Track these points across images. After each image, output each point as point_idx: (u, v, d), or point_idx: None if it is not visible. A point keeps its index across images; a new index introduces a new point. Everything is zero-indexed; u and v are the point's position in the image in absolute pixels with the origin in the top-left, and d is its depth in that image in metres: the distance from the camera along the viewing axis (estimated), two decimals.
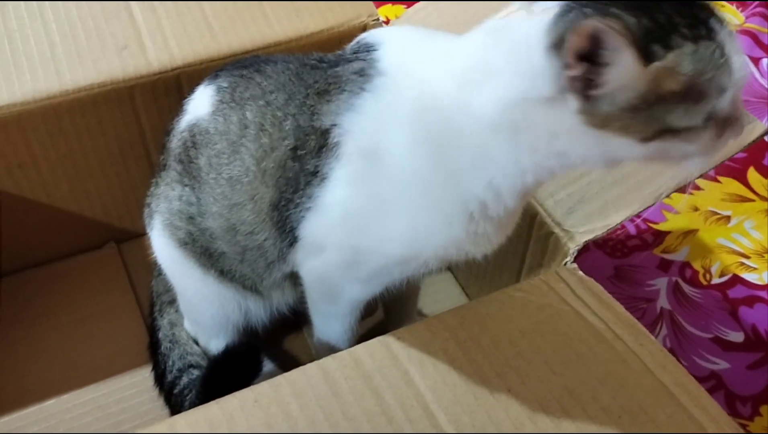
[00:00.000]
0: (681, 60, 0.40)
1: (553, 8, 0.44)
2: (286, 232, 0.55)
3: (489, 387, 0.48)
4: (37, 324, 0.75)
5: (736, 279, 0.78)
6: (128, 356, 0.73)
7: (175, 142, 0.62)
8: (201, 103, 0.60)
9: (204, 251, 0.61)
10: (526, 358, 0.50)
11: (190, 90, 0.69)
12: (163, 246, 0.64)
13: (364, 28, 0.76)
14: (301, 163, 0.52)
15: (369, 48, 0.53)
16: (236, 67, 0.60)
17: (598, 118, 0.41)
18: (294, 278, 0.61)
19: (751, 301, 0.76)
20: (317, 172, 0.51)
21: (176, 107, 0.69)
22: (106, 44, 0.71)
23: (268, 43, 0.73)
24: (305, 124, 0.52)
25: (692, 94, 0.40)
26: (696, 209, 0.85)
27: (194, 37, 0.72)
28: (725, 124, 0.43)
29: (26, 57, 0.70)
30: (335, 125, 0.50)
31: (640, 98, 0.40)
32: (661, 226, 0.84)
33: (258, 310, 0.65)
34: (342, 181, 0.51)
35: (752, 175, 0.89)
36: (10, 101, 0.67)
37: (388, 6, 1.16)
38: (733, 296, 0.77)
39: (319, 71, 0.54)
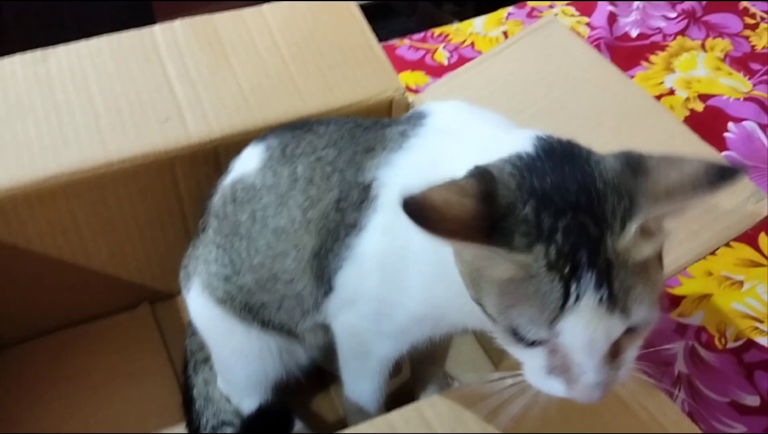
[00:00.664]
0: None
1: None
2: (323, 282, 0.58)
3: None
4: (73, 383, 0.78)
5: (750, 344, 0.81)
6: (161, 415, 0.75)
7: (216, 199, 0.66)
8: (248, 160, 0.65)
9: (244, 306, 0.64)
10: (553, 427, 0.52)
11: (227, 160, 0.74)
12: (202, 306, 0.67)
13: (391, 102, 0.80)
14: (342, 215, 0.56)
15: (420, 116, 0.57)
16: (286, 128, 0.65)
17: None
18: (326, 328, 0.64)
19: (766, 365, 0.79)
20: (356, 223, 0.55)
21: (213, 176, 0.73)
22: (148, 117, 0.75)
23: (300, 115, 0.77)
24: (351, 178, 0.56)
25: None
26: (710, 274, 0.88)
27: (231, 110, 0.76)
28: (562, 369, 0.42)
29: (72, 129, 0.73)
30: (375, 179, 0.54)
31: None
32: (677, 291, 0.86)
33: (295, 354, 0.68)
34: (376, 230, 0.54)
35: (763, 240, 0.92)
36: (57, 171, 0.70)
37: (407, 73, 1.20)
38: (748, 360, 0.79)
39: (371, 132, 0.59)
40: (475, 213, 0.40)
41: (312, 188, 0.58)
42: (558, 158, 0.44)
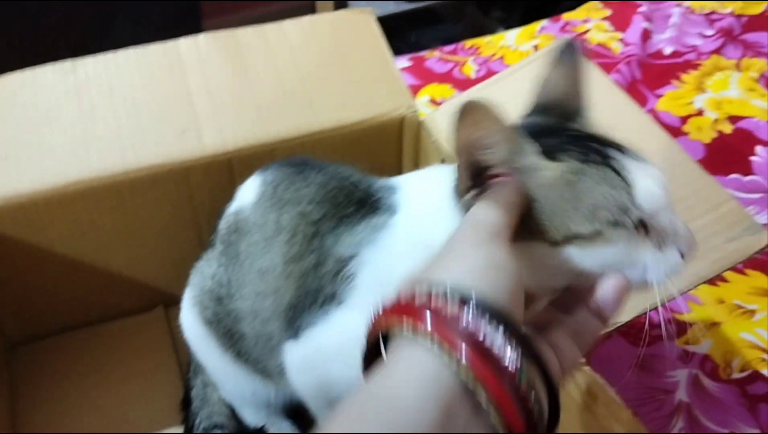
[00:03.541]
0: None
1: None
2: (293, 328, 0.60)
3: None
4: (89, 379, 0.81)
5: (756, 376, 0.80)
6: (168, 414, 0.78)
7: (222, 224, 0.69)
8: (248, 192, 0.67)
9: (226, 332, 0.67)
10: None
11: (241, 172, 0.76)
12: (190, 322, 0.71)
13: (402, 120, 0.82)
14: (321, 282, 0.57)
15: (390, 189, 0.59)
16: (284, 164, 0.67)
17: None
18: None
19: None
20: (335, 296, 0.56)
21: (227, 187, 0.76)
22: (167, 127, 0.78)
23: (313, 131, 0.79)
24: (330, 246, 0.58)
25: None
26: (721, 301, 0.87)
27: (246, 124, 0.79)
28: (663, 238, 0.45)
29: (95, 137, 0.77)
30: (354, 256, 0.56)
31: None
32: (685, 317, 0.85)
33: (270, 394, 0.70)
34: (355, 308, 0.55)
35: None
36: (79, 178, 0.74)
37: (434, 85, 1.22)
38: (752, 392, 0.78)
39: (351, 200, 0.60)
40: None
41: (294, 245, 0.60)
42: None
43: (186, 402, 0.78)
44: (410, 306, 0.37)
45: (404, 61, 1.28)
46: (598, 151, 0.46)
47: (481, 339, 0.35)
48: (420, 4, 2.36)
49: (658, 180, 0.45)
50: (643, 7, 1.38)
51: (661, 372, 0.80)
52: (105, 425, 0.78)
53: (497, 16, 2.75)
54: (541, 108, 0.54)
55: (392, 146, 0.85)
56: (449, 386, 0.34)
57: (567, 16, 1.40)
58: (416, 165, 0.87)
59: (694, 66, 1.26)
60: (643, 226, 0.45)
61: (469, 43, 1.34)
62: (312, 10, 2.52)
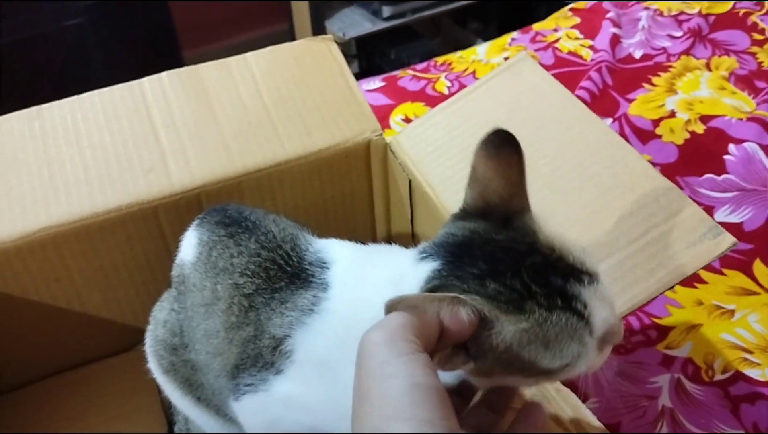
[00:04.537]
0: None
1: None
2: (235, 386, 0.60)
3: None
4: (71, 425, 0.81)
5: (738, 376, 0.79)
6: None
7: (174, 271, 0.69)
8: (187, 248, 0.67)
9: (184, 380, 0.67)
10: None
11: (209, 206, 0.76)
12: (152, 367, 0.72)
13: (368, 144, 0.82)
14: (260, 350, 0.58)
15: (322, 264, 0.59)
16: (218, 221, 0.66)
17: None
18: None
19: (752, 398, 0.77)
20: (274, 365, 0.57)
21: None
22: (134, 167, 0.78)
23: (279, 160, 0.80)
24: (265, 323, 0.58)
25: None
26: (700, 303, 0.87)
27: (213, 158, 0.79)
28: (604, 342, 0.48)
29: (63, 181, 0.77)
30: (288, 337, 0.56)
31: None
32: (665, 321, 0.85)
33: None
34: (293, 379, 0.56)
35: (758, 267, 0.90)
36: (47, 224, 0.74)
37: (408, 104, 1.22)
38: (734, 393, 0.78)
39: (284, 273, 0.60)
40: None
41: (231, 315, 0.60)
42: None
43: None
44: None
45: (377, 82, 1.28)
46: (560, 290, 0.46)
47: None
48: (396, 21, 2.38)
49: (610, 303, 0.48)
50: (611, 13, 1.39)
51: (644, 378, 0.80)
52: None
53: (474, 28, 2.76)
54: (480, 212, 0.51)
55: (360, 171, 0.85)
56: None
57: (537, 27, 1.41)
58: (386, 187, 0.87)
59: (665, 68, 1.27)
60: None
61: (441, 59, 1.35)
62: (291, 37, 2.54)
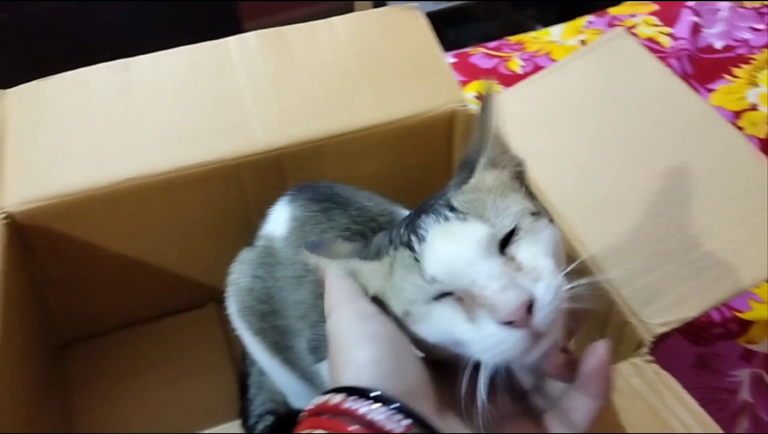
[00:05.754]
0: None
1: None
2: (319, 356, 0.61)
3: None
4: (142, 377, 0.82)
5: None
6: (221, 411, 0.78)
7: (261, 241, 0.70)
8: (277, 223, 0.68)
9: (273, 343, 0.68)
10: None
11: (290, 168, 0.77)
12: (240, 330, 0.72)
13: (452, 114, 0.81)
14: None
15: None
16: (311, 197, 0.68)
17: None
18: None
19: None
20: None
21: (277, 184, 0.76)
22: (217, 125, 0.78)
23: (360, 127, 0.79)
24: None
25: None
26: None
27: (296, 120, 0.79)
28: (473, 307, 0.40)
29: (148, 135, 0.77)
30: None
31: None
32: (747, 315, 0.83)
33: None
34: None
35: None
36: (132, 175, 0.74)
37: (479, 81, 1.20)
38: None
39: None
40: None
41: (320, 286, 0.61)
42: None
43: (243, 390, 0.78)
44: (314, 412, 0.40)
45: (449, 58, 1.26)
46: (412, 226, 0.44)
47: (370, 419, 0.37)
48: (455, 3, 2.35)
49: (461, 241, 0.41)
50: (691, 2, 1.35)
51: (724, 371, 0.78)
52: (158, 422, 0.78)
53: (532, 14, 2.72)
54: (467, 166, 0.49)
55: (441, 141, 0.84)
56: None
57: (613, 11, 1.38)
58: None
59: (746, 60, 1.23)
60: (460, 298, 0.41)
61: (514, 38, 1.33)
62: (351, 11, 2.53)
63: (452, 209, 0.43)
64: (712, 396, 0.75)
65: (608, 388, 0.41)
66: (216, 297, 0.88)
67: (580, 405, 0.41)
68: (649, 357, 0.59)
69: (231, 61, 0.83)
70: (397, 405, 0.37)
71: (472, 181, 0.45)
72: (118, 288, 0.83)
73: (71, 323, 0.85)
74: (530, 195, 0.48)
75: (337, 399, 0.39)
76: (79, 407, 0.80)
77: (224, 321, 0.86)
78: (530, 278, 0.40)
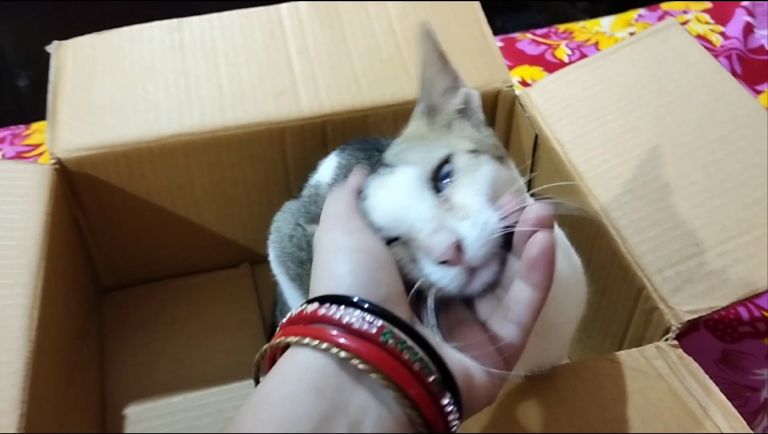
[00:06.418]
0: None
1: None
2: None
3: None
4: (173, 329, 0.84)
5: None
6: (247, 368, 0.79)
7: (305, 191, 0.72)
8: (326, 170, 0.70)
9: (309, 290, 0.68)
10: (611, 426, 0.52)
11: (333, 135, 0.78)
12: (277, 274, 0.74)
13: (497, 94, 0.81)
14: None
15: None
16: (359, 147, 0.70)
17: None
18: None
19: None
20: None
21: (320, 150, 0.77)
22: (265, 88, 0.80)
23: (406, 99, 0.80)
24: None
25: None
26: None
27: (342, 89, 0.80)
28: (415, 250, 0.43)
29: (197, 93, 0.79)
30: None
31: None
32: None
33: None
34: None
35: None
36: (179, 131, 0.76)
37: (525, 67, 1.20)
38: None
39: None
40: None
41: None
42: None
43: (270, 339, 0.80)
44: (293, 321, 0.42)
45: (496, 42, 1.26)
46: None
47: (345, 322, 0.39)
48: None
49: (393, 190, 0.45)
50: (746, 2, 1.33)
51: (748, 369, 0.78)
52: (184, 373, 0.80)
53: (583, 7, 2.69)
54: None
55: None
56: (325, 366, 0.38)
57: (665, 6, 1.36)
58: (507, 140, 0.86)
59: None
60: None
61: (562, 27, 1.32)
62: None
63: (385, 165, 0.47)
64: (734, 392, 0.75)
65: (549, 279, 0.42)
66: (250, 259, 0.91)
67: (521, 299, 0.42)
68: (674, 342, 0.59)
69: (282, 27, 0.85)
70: (368, 306, 0.39)
71: (406, 131, 0.50)
72: (156, 241, 0.86)
73: (110, 271, 0.88)
74: (479, 130, 0.52)
75: (312, 307, 0.40)
76: (112, 353, 0.82)
77: (257, 282, 0.89)
78: (459, 217, 0.42)
